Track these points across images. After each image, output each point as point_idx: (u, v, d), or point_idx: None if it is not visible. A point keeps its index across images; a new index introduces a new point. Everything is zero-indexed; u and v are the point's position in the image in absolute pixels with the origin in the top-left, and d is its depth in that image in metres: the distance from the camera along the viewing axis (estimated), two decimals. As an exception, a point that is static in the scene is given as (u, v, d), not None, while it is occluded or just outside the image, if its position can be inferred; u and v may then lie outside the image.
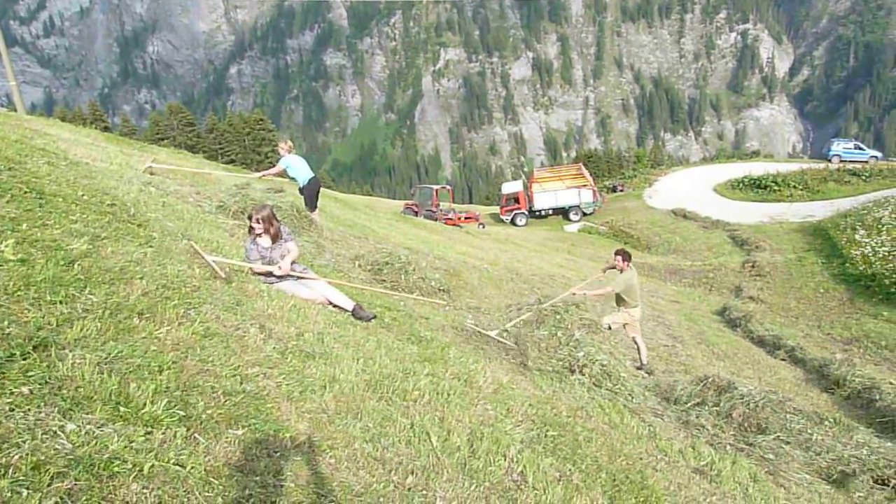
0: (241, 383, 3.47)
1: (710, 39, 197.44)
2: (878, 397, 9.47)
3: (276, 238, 6.31)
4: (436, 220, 31.37)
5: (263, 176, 11.95)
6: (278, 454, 2.99)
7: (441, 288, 9.63)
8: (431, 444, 3.89)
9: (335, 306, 6.41)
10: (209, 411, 3.02)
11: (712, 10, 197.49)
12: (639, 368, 9.39)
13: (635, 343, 9.66)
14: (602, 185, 46.23)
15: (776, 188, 35.61)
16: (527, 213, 38.79)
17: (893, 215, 21.56)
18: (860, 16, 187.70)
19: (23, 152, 6.87)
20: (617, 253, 9.54)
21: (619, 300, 9.41)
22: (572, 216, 37.80)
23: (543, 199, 38.69)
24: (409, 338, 6.46)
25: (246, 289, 5.58)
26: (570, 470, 4.45)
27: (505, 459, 4.14)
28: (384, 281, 9.08)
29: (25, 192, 5.12)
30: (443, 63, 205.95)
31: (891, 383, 10.20)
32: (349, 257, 9.78)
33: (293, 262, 6.39)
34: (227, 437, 2.90)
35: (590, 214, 38.07)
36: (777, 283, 21.12)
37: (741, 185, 37.85)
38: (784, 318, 18.23)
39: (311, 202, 11.21)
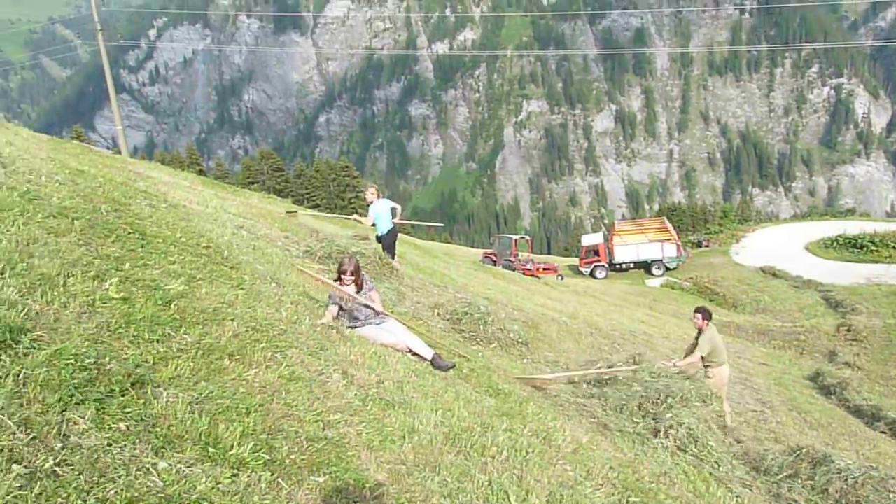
0: (324, 429, 3.50)
1: (802, 94, 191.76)
2: None
3: (360, 287, 6.42)
4: (514, 270, 31.30)
5: (360, 221, 12.38)
6: (358, 504, 2.98)
7: (520, 340, 9.53)
8: (510, 502, 3.80)
9: (414, 354, 6.43)
10: (292, 456, 3.06)
11: (804, 65, 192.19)
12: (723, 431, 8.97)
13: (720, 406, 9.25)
14: (686, 239, 45.05)
15: (873, 248, 33.79)
16: (607, 265, 38.18)
17: None
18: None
19: (127, 194, 7.30)
20: (697, 311, 9.32)
21: (704, 362, 9.10)
22: (654, 271, 36.95)
23: (624, 252, 38.06)
24: (488, 390, 6.39)
25: (329, 334, 5.67)
26: (652, 539, 4.25)
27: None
28: (463, 331, 9.06)
29: (129, 233, 5.42)
30: (525, 114, 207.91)
31: None
32: (428, 305, 9.83)
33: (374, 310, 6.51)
34: (308, 484, 2.92)
35: (673, 269, 37.11)
36: (875, 348, 19.91)
37: (835, 243, 36.11)
38: (883, 388, 17.10)
39: (391, 250, 11.41)
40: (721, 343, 9.16)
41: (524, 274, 30.59)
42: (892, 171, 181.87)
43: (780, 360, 19.10)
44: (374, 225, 11.33)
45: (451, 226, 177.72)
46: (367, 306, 6.42)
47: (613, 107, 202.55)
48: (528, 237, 40.95)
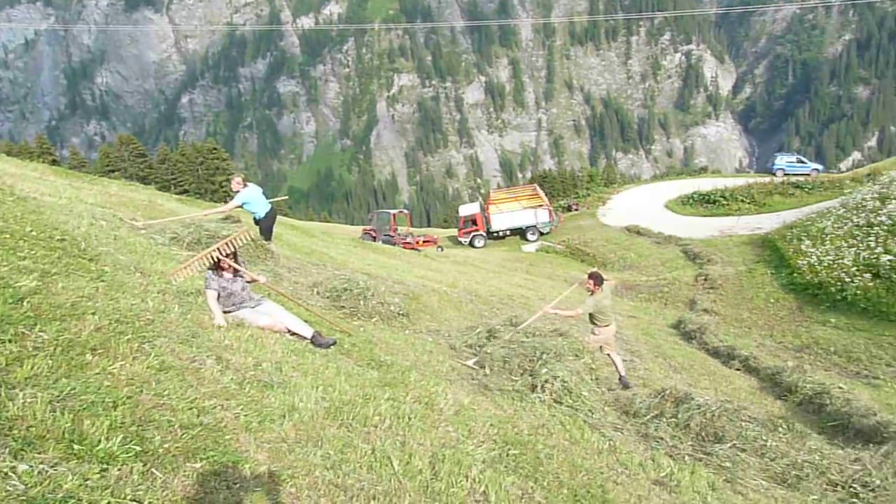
0: (199, 416, 3.44)
1: (656, 60, 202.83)
2: (828, 402, 9.76)
3: (237, 272, 6.28)
4: (394, 244, 31.35)
5: (221, 212, 12.02)
6: (238, 486, 2.98)
7: (401, 312, 9.65)
8: (393, 469, 3.91)
9: (294, 334, 6.39)
10: (166, 445, 3.00)
11: (657, 33, 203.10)
12: (620, 382, 9.53)
13: (611, 359, 9.81)
14: (557, 204, 46.80)
15: (724, 202, 36.55)
16: (485, 234, 39.05)
17: (836, 225, 22.30)
18: (796, 35, 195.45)
19: (-34, 190, 6.72)
20: (589, 276, 9.65)
21: (592, 320, 9.59)
22: (529, 236, 38.16)
23: (500, 221, 39.01)
24: (370, 363, 6.47)
25: (201, 320, 5.53)
26: (531, 487, 4.50)
27: (467, 480, 4.17)
28: (343, 307, 9.05)
29: (-30, 231, 5.02)
30: (397, 89, 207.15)
31: (840, 388, 10.52)
32: (307, 284, 9.74)
33: (251, 291, 6.40)
34: (184, 471, 2.88)
35: (546, 234, 38.50)
36: (729, 294, 21.61)
37: (691, 200, 38.74)
38: (737, 329, 18.65)
39: (268, 233, 11.19)
40: (608, 305, 9.60)
41: (404, 248, 30.73)
42: (738, 131, 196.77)
43: (646, 312, 20.40)
44: (242, 206, 10.98)
45: (330, 204, 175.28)
46: (243, 289, 6.30)
47: (483, 78, 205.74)
48: (406, 211, 41.04)
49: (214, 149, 77.74)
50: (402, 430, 4.61)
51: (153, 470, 2.79)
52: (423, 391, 5.84)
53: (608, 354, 9.85)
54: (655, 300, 22.74)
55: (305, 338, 6.37)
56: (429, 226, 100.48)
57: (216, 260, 6.05)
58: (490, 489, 4.13)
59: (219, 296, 6.05)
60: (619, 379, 9.58)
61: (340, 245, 19.44)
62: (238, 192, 10.75)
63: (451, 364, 8.01)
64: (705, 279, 23.24)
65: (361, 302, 9.10)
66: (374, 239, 32.80)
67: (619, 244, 32.95)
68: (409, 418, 4.91)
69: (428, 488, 3.88)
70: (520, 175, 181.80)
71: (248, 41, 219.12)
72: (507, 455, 4.99)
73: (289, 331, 6.37)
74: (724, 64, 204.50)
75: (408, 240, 33.41)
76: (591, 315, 9.54)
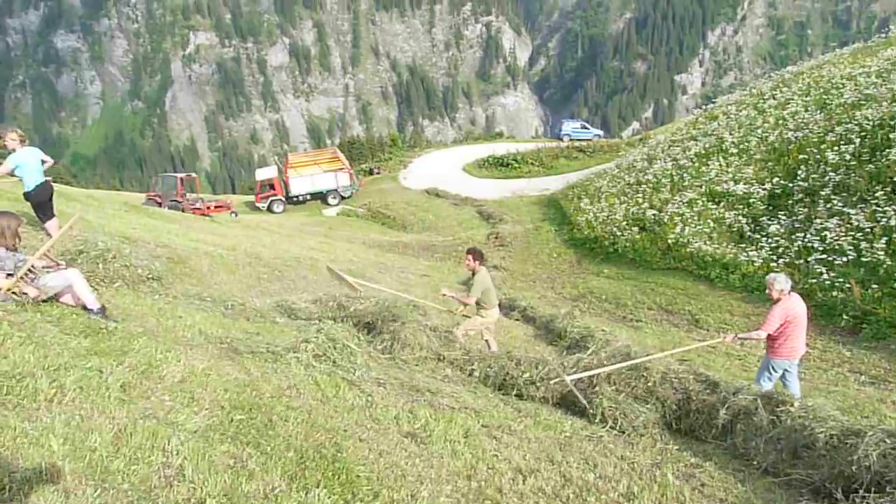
0: None
1: (459, 30, 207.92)
2: (590, 344, 10.26)
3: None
4: (183, 210, 29.10)
5: None
6: None
7: (151, 276, 8.62)
8: (52, 449, 3.19)
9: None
10: None
11: (459, 2, 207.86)
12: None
13: (488, 345, 9.34)
14: (359, 168, 46.36)
15: (517, 165, 38.34)
16: (283, 199, 37.67)
17: (610, 184, 24.02)
18: (585, 11, 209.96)
19: None
20: (469, 252, 9.00)
21: (478, 302, 8.98)
22: (331, 200, 37.41)
23: (300, 184, 37.83)
24: (84, 331, 5.55)
25: None
26: (248, 455, 3.98)
27: (163, 454, 3.57)
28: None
29: None
30: (193, 48, 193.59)
31: (603, 330, 11.16)
32: (33, 248, 8.35)
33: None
34: None
35: (348, 198, 37.97)
36: (517, 251, 22.52)
37: (487, 164, 40.19)
38: (523, 283, 19.43)
39: (45, 209, 9.42)
40: (492, 285, 9.05)
41: (194, 214, 28.62)
42: (534, 101, 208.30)
43: (440, 271, 20.63)
44: (13, 173, 9.05)
45: (121, 172, 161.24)
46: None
47: (287, 40, 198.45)
48: (194, 175, 38.31)
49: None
50: (89, 405, 3.88)
51: None
52: (144, 358, 5.08)
53: (486, 341, 9.34)
54: (450, 259, 23.11)
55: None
56: (233, 193, 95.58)
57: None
58: (188, 462, 3.55)
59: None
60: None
61: (107, 209, 17.43)
62: (14, 151, 8.82)
63: (201, 328, 7.23)
64: (496, 237, 24.06)
65: (100, 265, 7.97)
66: (160, 205, 30.21)
67: (418, 206, 33.29)
68: (108, 389, 4.18)
69: (100, 468, 3.22)
70: (328, 141, 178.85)
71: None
72: (231, 422, 4.43)
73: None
74: (522, 36, 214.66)
75: (197, 205, 31.21)
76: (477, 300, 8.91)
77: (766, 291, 7.43)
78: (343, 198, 37.83)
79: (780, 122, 20.29)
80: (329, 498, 3.75)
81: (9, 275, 5.72)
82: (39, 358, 4.32)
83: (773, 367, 7.43)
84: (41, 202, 9.33)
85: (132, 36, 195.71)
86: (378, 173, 45.20)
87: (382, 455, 4.78)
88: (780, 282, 7.25)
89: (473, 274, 9.01)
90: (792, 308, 7.18)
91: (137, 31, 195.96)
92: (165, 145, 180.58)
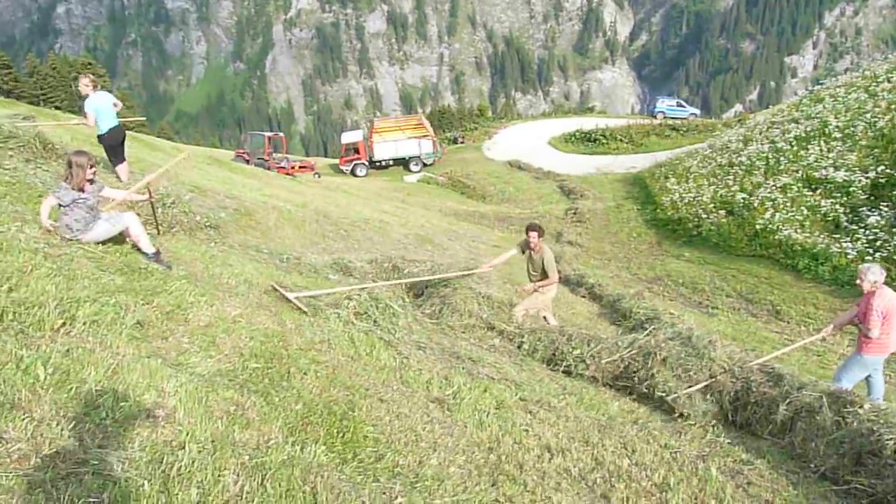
0: None
1: (559, 1, 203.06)
2: (656, 326, 9.72)
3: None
4: (268, 168, 29.81)
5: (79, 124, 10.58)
6: None
7: (209, 224, 8.70)
8: (38, 377, 3.12)
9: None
10: None
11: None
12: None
13: (546, 321, 8.85)
14: (443, 136, 46.14)
15: (604, 141, 37.09)
16: (367, 163, 37.97)
17: (700, 165, 22.82)
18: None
19: None
20: (532, 230, 8.37)
21: (539, 278, 8.60)
22: (412, 167, 37.46)
23: (384, 149, 38.03)
24: (121, 269, 5.55)
25: None
26: (252, 403, 3.82)
27: (158, 393, 3.45)
28: (138, 215, 7.99)
29: None
30: (294, 12, 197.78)
31: (671, 313, 10.58)
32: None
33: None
34: None
35: (430, 165, 37.89)
36: (595, 228, 21.82)
37: (573, 138, 39.09)
38: (598, 260, 18.81)
39: (116, 152, 9.69)
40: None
41: (279, 172, 29.26)
42: (633, 78, 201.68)
43: (512, 242, 20.22)
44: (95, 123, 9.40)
45: (221, 130, 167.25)
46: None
47: (385, 7, 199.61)
48: (281, 134, 39.11)
49: (89, 63, 71.49)
50: (97, 339, 3.81)
51: None
52: (174, 300, 5.02)
53: (545, 318, 8.81)
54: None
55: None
56: (326, 157, 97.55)
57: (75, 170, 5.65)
58: (181, 404, 3.42)
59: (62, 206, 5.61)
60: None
61: (189, 161, 17.92)
62: (87, 96, 9.16)
63: (248, 277, 7.20)
64: (574, 213, 23.39)
65: (159, 210, 8.08)
66: (248, 162, 31.04)
67: (499, 178, 32.82)
68: (122, 325, 4.11)
69: (85, 401, 3.12)
70: (420, 110, 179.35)
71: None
72: (245, 369, 4.31)
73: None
74: (623, 10, 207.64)
75: (282, 164, 31.89)
76: (540, 272, 8.46)
77: (857, 282, 6.83)
78: (425, 165, 37.79)
79: (893, 106, 18.61)
80: (326, 455, 3.54)
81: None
82: (62, 290, 4.29)
83: (862, 365, 6.83)
84: (113, 145, 9.58)
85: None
86: (462, 142, 44.85)
87: (399, 418, 4.55)
88: (873, 272, 6.66)
89: (533, 251, 8.54)
90: (889, 301, 6.56)
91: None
92: (263, 107, 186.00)
